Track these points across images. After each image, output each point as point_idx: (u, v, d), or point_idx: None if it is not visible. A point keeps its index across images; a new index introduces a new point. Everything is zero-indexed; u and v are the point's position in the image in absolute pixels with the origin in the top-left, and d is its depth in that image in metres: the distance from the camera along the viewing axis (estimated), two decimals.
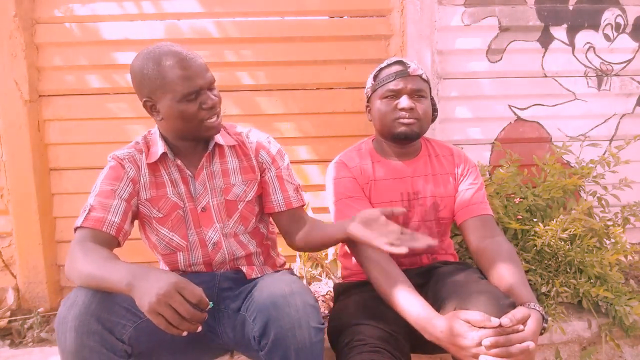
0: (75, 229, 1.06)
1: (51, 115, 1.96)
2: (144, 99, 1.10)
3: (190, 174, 1.18)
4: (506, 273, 1.08)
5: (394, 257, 1.27)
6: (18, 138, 1.89)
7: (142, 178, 1.16)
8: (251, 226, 1.25)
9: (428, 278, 1.24)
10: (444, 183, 1.34)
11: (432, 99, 1.36)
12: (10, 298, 1.94)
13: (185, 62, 1.06)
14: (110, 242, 1.06)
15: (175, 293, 0.81)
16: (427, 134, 1.45)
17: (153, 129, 1.23)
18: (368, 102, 1.39)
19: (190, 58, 1.07)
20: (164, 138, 1.18)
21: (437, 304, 1.09)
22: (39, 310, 1.88)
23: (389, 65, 1.32)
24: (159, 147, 1.16)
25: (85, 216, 1.06)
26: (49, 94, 1.96)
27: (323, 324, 0.99)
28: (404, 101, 1.26)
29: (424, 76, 1.30)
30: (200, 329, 0.85)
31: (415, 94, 1.27)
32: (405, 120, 1.25)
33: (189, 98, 1.06)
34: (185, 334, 0.83)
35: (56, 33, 1.93)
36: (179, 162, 1.18)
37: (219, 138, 1.20)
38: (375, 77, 1.35)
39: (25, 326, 1.82)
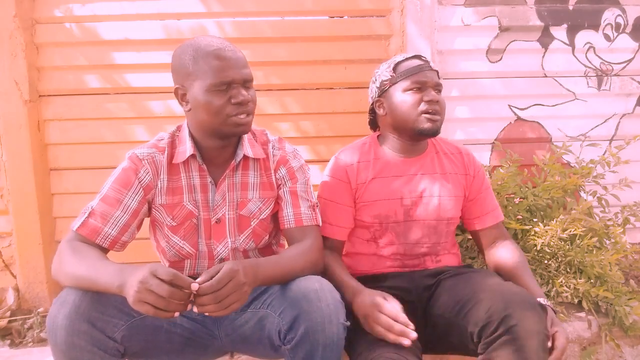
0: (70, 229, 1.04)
1: (51, 115, 1.96)
2: (176, 87, 1.08)
3: (211, 181, 1.13)
4: (521, 274, 1.22)
5: (397, 259, 1.28)
6: (18, 138, 1.89)
7: (159, 183, 1.11)
8: (263, 243, 1.21)
9: (437, 280, 1.23)
10: (453, 183, 1.31)
11: None
12: (10, 298, 1.94)
13: (221, 52, 1.03)
14: (101, 251, 1.03)
15: (151, 277, 0.82)
16: None
17: (183, 124, 1.17)
18: (381, 96, 1.33)
19: (229, 50, 1.04)
20: (192, 137, 1.12)
21: (460, 303, 1.09)
22: (39, 310, 1.88)
23: (408, 59, 1.29)
24: (188, 148, 1.10)
25: (83, 221, 1.03)
26: (49, 94, 1.96)
27: (347, 322, 0.98)
28: (432, 94, 1.23)
29: (439, 73, 1.30)
30: (190, 308, 0.85)
31: (436, 88, 1.26)
32: (431, 116, 1.23)
33: (219, 88, 1.02)
34: (177, 315, 0.84)
35: (56, 33, 1.93)
36: (204, 167, 1.13)
37: (247, 150, 1.14)
38: (394, 69, 1.29)
39: (25, 326, 1.82)
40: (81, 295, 0.90)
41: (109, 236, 1.04)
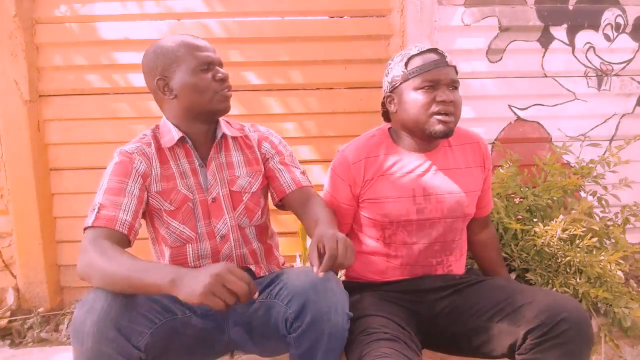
0: (85, 229, 1.04)
1: (51, 115, 1.96)
2: (157, 78, 1.13)
3: (200, 163, 1.19)
4: (495, 257, 1.44)
5: (409, 263, 1.26)
6: (18, 138, 1.89)
7: (153, 171, 1.15)
8: (256, 219, 1.25)
9: (453, 287, 1.23)
10: (470, 176, 1.25)
11: None
12: (10, 298, 1.95)
13: (195, 39, 1.16)
14: (123, 241, 1.05)
15: (228, 273, 0.86)
16: None
17: (160, 122, 1.23)
18: (392, 92, 1.24)
19: (200, 38, 1.17)
20: (175, 126, 1.18)
21: (495, 308, 1.09)
22: (39, 310, 1.89)
23: (422, 53, 1.18)
24: (174, 134, 1.16)
25: (95, 215, 1.04)
26: (49, 94, 1.96)
27: (351, 313, 1.01)
28: (445, 93, 1.14)
29: (456, 67, 1.21)
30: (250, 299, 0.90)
31: (452, 86, 1.17)
32: (443, 117, 1.15)
33: (202, 68, 1.12)
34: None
35: (56, 33, 1.94)
36: (192, 149, 1.18)
37: (225, 129, 1.21)
38: (406, 65, 1.19)
39: (25, 326, 1.82)
40: (110, 301, 0.90)
41: (126, 222, 1.06)
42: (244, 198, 1.22)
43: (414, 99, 1.17)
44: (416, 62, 1.17)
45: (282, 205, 1.29)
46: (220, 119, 1.23)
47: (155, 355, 0.99)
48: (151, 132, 1.22)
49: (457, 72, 1.22)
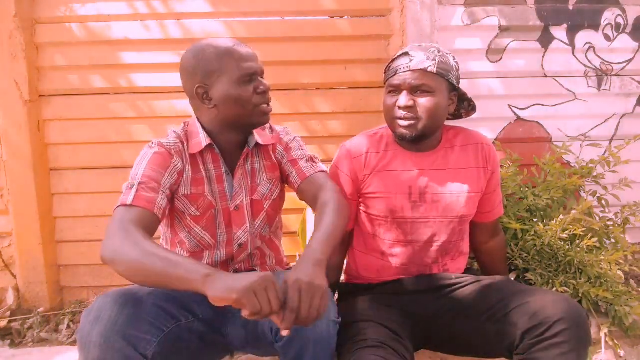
0: (118, 207, 0.99)
1: (51, 115, 1.96)
2: (197, 86, 1.08)
3: (226, 170, 1.17)
4: (501, 268, 1.43)
5: (404, 263, 1.26)
6: (18, 138, 1.89)
7: (185, 173, 1.12)
8: (275, 226, 1.26)
9: (449, 287, 1.22)
10: (469, 177, 1.25)
11: (454, 89, 1.24)
12: (10, 298, 1.95)
13: (240, 47, 1.10)
14: (154, 225, 1.00)
15: (271, 282, 0.81)
16: None
17: (190, 120, 1.19)
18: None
19: (244, 45, 1.12)
20: (205, 130, 1.14)
21: (493, 309, 1.09)
22: (39, 310, 1.89)
23: (396, 58, 1.22)
24: (202, 139, 1.12)
25: (135, 194, 0.98)
26: (49, 94, 1.96)
27: (339, 319, 1.01)
28: (401, 99, 1.17)
29: (430, 69, 1.15)
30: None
31: (418, 90, 1.16)
32: (403, 122, 1.18)
33: (244, 80, 1.08)
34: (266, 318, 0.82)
35: (56, 33, 1.94)
36: (220, 157, 1.15)
37: (257, 137, 1.19)
38: (385, 70, 1.25)
39: (25, 326, 1.82)
40: (117, 311, 0.89)
41: (162, 207, 1.02)
42: (265, 206, 1.21)
43: (384, 102, 1.23)
44: (389, 67, 1.23)
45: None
46: None
47: None
48: (181, 130, 1.17)
49: (438, 74, 1.16)
